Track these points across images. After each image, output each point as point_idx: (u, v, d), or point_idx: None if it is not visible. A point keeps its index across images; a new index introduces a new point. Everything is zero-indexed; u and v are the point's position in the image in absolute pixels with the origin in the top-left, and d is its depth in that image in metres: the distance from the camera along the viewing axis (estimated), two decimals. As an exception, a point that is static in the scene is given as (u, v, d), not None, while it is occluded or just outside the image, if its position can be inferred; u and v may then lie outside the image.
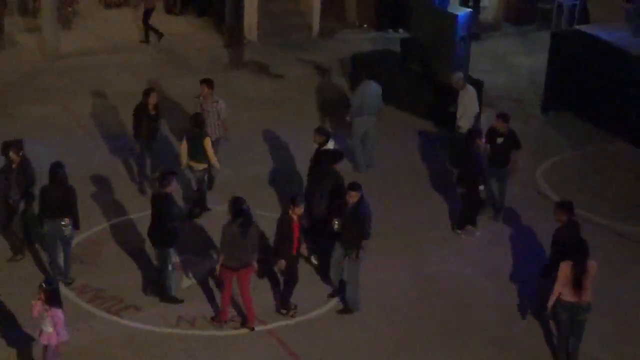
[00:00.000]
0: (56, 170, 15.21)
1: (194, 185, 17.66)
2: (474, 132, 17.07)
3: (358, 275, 14.99)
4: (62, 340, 12.84)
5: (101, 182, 18.29)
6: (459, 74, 19.26)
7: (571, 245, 13.74)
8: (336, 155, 16.34)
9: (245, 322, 14.76)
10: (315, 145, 16.67)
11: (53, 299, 12.67)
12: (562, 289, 13.54)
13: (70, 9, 24.95)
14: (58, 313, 12.69)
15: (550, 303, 13.70)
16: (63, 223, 15.07)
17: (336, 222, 15.03)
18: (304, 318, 14.96)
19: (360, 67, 22.22)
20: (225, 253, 14.26)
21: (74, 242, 15.68)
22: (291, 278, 14.90)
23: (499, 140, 17.22)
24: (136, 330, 14.58)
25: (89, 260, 16.08)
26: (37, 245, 16.08)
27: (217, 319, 14.79)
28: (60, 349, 12.91)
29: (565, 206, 14.72)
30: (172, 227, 14.74)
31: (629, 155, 20.54)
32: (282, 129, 20.40)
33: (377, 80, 19.42)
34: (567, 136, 21.36)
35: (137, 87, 22.26)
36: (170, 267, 14.88)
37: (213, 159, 17.11)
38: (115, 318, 14.79)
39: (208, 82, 18.02)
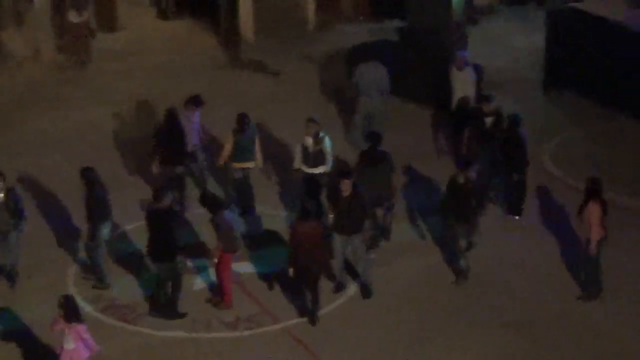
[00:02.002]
0: (91, 174, 15.33)
1: (235, 186, 17.53)
2: (516, 118, 16.95)
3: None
4: (95, 350, 12.77)
5: (109, 189, 18.17)
6: (463, 54, 19.21)
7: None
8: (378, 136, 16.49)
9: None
10: (310, 138, 16.56)
11: (73, 314, 12.59)
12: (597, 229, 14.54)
13: (77, 58, 24.26)
14: (81, 328, 12.59)
15: (594, 248, 14.67)
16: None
17: (331, 216, 15.08)
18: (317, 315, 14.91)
19: (359, 58, 22.21)
20: (228, 240, 14.63)
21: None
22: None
23: (487, 120, 17.38)
24: (152, 336, 14.55)
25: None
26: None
27: (224, 304, 14.96)
28: None
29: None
30: (173, 240, 14.62)
31: (633, 130, 20.43)
32: (281, 125, 20.31)
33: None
34: (570, 115, 21.26)
35: (138, 93, 22.33)
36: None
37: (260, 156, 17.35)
38: (130, 326, 14.76)
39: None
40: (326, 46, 25.16)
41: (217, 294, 15.22)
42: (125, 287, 15.65)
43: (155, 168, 17.51)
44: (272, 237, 16.82)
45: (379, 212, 16.53)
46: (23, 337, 14.42)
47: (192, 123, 17.70)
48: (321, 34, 26.22)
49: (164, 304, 14.81)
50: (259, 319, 14.91)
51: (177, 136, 17.26)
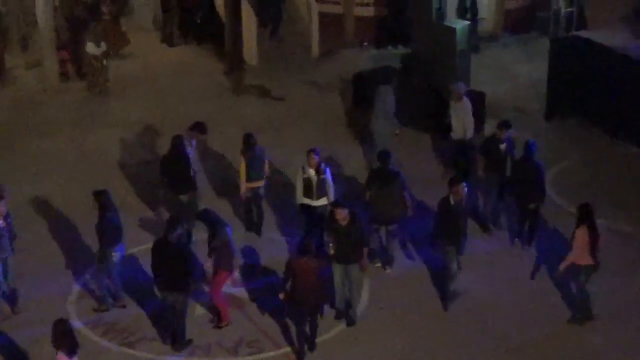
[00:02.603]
0: (103, 197, 15.43)
1: (250, 207, 17.70)
2: (532, 146, 16.94)
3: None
4: None
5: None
6: (462, 85, 19.32)
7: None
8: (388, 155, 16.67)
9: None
10: (311, 170, 16.54)
11: (58, 341, 12.49)
12: (580, 255, 14.67)
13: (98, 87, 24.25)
14: (60, 357, 12.41)
15: (563, 267, 14.96)
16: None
17: (331, 246, 15.06)
18: (318, 340, 14.89)
19: (362, 84, 22.33)
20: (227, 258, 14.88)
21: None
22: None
23: (501, 146, 17.39)
24: (151, 361, 14.58)
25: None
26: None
27: (223, 322, 15.14)
28: None
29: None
30: (190, 271, 14.58)
31: (635, 159, 20.46)
32: (283, 151, 20.39)
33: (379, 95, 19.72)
34: (572, 143, 21.30)
35: (142, 117, 22.41)
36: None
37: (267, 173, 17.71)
38: (130, 350, 14.77)
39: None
40: (330, 72, 25.26)
41: (217, 315, 15.28)
42: (126, 312, 15.66)
43: (162, 195, 17.63)
44: (274, 262, 16.84)
45: (383, 230, 16.69)
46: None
47: (192, 148, 17.79)
48: (325, 59, 26.33)
49: (177, 332, 14.78)
50: (260, 344, 14.92)
51: (184, 164, 17.31)
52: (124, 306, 15.74)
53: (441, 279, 15.90)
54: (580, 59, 21.76)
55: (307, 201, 16.72)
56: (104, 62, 23.91)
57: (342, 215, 14.89)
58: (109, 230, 15.32)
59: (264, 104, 23.68)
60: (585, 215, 14.95)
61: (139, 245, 17.15)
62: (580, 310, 15.29)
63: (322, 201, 16.71)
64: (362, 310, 15.60)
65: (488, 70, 24.45)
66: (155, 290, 14.63)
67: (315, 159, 16.55)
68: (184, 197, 17.38)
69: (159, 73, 25.45)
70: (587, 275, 15.04)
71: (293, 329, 15.01)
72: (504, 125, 17.60)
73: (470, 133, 19.14)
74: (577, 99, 21.86)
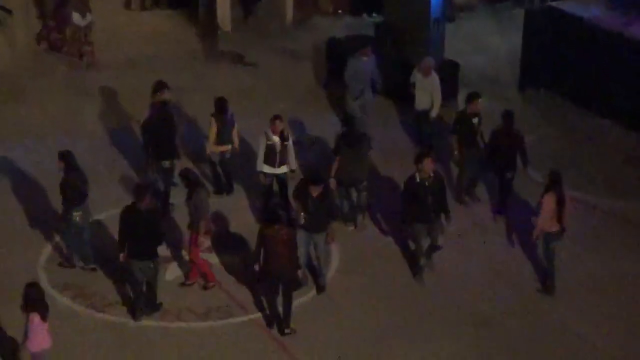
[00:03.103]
0: (68, 158, 15.44)
1: (217, 169, 17.77)
2: (511, 114, 17.03)
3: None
4: (31, 350, 12.60)
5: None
6: (431, 60, 19.23)
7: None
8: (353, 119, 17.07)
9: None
10: (275, 136, 16.53)
11: (28, 303, 12.49)
12: (548, 222, 14.80)
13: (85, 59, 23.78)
14: (32, 318, 12.47)
15: (536, 234, 15.12)
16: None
17: (302, 216, 15.07)
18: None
19: (335, 53, 22.24)
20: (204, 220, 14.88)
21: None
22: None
23: (474, 120, 17.38)
24: (122, 325, 14.56)
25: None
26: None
27: (209, 284, 15.22)
28: (37, 356, 12.68)
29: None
30: (158, 239, 14.61)
31: (606, 131, 20.57)
32: (256, 118, 20.32)
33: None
34: (544, 114, 21.38)
35: (113, 84, 22.23)
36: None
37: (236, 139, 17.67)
38: (99, 314, 14.76)
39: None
40: (304, 40, 25.16)
41: (201, 277, 15.41)
42: (95, 276, 15.62)
43: (148, 163, 17.64)
44: (243, 228, 16.84)
45: (354, 193, 16.82)
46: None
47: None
48: (299, 27, 26.21)
49: (148, 298, 14.76)
50: (230, 309, 14.95)
51: (169, 129, 17.26)
52: (93, 269, 15.71)
53: (411, 256, 15.93)
54: (554, 30, 21.80)
55: (267, 169, 16.70)
56: (88, 34, 23.63)
57: (317, 191, 14.92)
58: (72, 190, 15.30)
59: (236, 71, 23.57)
60: (554, 182, 15.06)
61: (107, 211, 17.08)
62: (551, 279, 15.40)
63: (284, 168, 16.75)
64: (331, 279, 15.64)
65: (462, 41, 24.43)
66: (120, 257, 14.53)
67: (279, 125, 16.52)
68: (165, 163, 17.33)
69: (130, 39, 25.19)
70: (553, 242, 15.14)
71: (263, 297, 15.05)
72: (474, 96, 17.52)
73: (436, 111, 19.09)
74: (550, 70, 21.92)
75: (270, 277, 14.25)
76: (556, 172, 15.25)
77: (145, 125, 17.53)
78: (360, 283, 15.66)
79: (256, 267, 14.36)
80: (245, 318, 14.78)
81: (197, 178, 15.57)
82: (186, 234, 15.54)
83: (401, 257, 16.31)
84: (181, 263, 15.95)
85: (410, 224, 15.44)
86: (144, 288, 14.68)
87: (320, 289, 15.39)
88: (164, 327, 14.52)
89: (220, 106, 17.46)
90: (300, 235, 15.01)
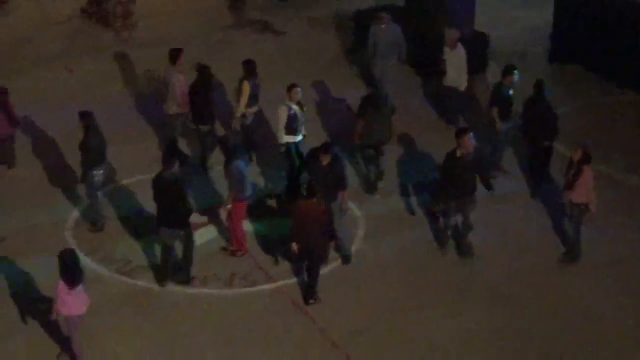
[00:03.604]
0: (88, 118, 15.57)
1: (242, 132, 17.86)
2: (542, 83, 17.04)
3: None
4: (59, 313, 12.74)
5: (108, 143, 18.24)
6: (456, 31, 19.15)
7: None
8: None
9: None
10: (295, 105, 16.56)
11: (61, 269, 12.62)
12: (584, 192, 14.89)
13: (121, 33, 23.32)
14: (59, 285, 12.61)
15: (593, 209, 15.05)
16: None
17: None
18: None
19: (363, 22, 22.18)
20: (239, 189, 14.83)
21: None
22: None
23: (510, 92, 17.42)
24: (148, 290, 14.69)
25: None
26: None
27: (238, 253, 15.29)
28: (69, 321, 12.83)
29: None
30: (187, 207, 14.66)
31: (635, 105, 20.46)
32: (282, 87, 20.34)
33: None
34: (572, 88, 21.27)
35: (141, 50, 22.25)
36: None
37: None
38: (125, 279, 14.88)
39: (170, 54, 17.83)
40: (332, 9, 25.07)
41: (232, 243, 15.46)
42: (122, 241, 15.76)
43: (180, 124, 17.76)
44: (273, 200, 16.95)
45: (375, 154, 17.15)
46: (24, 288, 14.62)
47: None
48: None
49: (182, 267, 14.83)
50: (254, 277, 15.04)
51: (208, 95, 17.39)
52: (101, 229, 15.85)
53: (440, 230, 15.90)
54: (586, 3, 21.63)
55: (290, 138, 16.71)
56: (130, 6, 23.22)
57: (327, 160, 15.01)
58: (91, 151, 15.43)
59: (264, 39, 23.54)
60: (589, 156, 15.06)
61: (134, 177, 17.22)
62: (571, 249, 15.44)
63: (300, 135, 16.84)
64: (355, 248, 15.74)
65: (489, 13, 24.26)
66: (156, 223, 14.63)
67: (299, 93, 16.59)
68: (204, 128, 17.40)
69: (155, 6, 25.12)
70: (583, 214, 15.17)
71: (287, 265, 15.14)
72: (511, 69, 17.47)
73: (463, 83, 19.04)
74: (580, 44, 21.78)
75: (302, 250, 14.29)
76: (588, 147, 15.23)
77: (190, 90, 17.58)
78: (383, 253, 15.70)
79: (294, 246, 14.37)
80: (269, 286, 14.88)
81: (235, 146, 15.57)
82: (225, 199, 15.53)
83: (424, 227, 16.34)
84: (216, 229, 16.03)
85: (445, 200, 15.40)
86: (180, 256, 14.75)
87: (346, 260, 15.42)
88: (188, 293, 14.63)
89: (251, 69, 17.50)
90: None
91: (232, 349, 13.59)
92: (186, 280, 14.78)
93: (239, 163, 15.08)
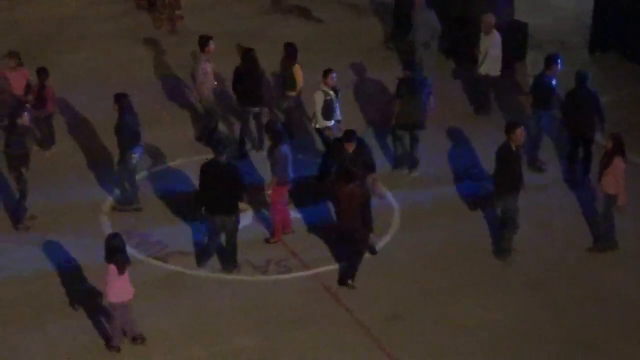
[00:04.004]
0: (123, 100, 15.68)
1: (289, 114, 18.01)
2: (586, 75, 16.87)
3: None
4: (108, 299, 12.84)
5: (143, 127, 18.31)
6: (492, 16, 18.99)
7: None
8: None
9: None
10: (330, 90, 16.51)
11: (107, 254, 12.72)
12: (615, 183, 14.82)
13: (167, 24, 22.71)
14: (109, 269, 12.71)
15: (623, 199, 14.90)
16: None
17: None
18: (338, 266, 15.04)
19: (402, 7, 22.05)
20: (281, 174, 14.79)
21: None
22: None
23: (553, 82, 17.28)
24: (182, 275, 14.73)
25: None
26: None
27: (271, 239, 15.31)
28: (115, 307, 12.93)
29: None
30: (241, 193, 14.62)
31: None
32: (318, 71, 20.32)
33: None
34: (612, 78, 21.03)
35: (181, 31, 22.25)
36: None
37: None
38: (161, 263, 14.93)
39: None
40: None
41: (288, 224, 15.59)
42: (159, 225, 15.80)
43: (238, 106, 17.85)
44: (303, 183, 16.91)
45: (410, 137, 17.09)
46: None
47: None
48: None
49: (229, 254, 14.83)
50: (289, 264, 15.05)
51: (255, 77, 17.40)
52: (139, 209, 15.93)
53: (499, 226, 15.52)
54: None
55: (326, 123, 16.68)
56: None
57: (352, 147, 15.00)
58: (127, 132, 15.50)
59: (302, 24, 23.51)
60: (622, 145, 14.93)
61: (172, 161, 17.30)
62: (603, 239, 15.32)
63: (333, 121, 16.79)
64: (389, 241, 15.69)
65: (528, 1, 24.03)
66: (202, 212, 14.56)
67: (334, 78, 16.57)
68: (254, 109, 17.45)
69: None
70: (611, 205, 15.06)
71: (322, 252, 15.11)
72: (553, 59, 17.29)
73: (495, 70, 18.87)
74: (621, 33, 21.53)
75: (344, 233, 14.27)
76: (621, 136, 15.07)
77: (234, 72, 17.63)
78: (417, 240, 15.63)
79: (334, 228, 14.43)
80: (303, 273, 14.87)
81: (283, 131, 15.51)
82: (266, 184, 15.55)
83: (458, 215, 16.26)
84: (252, 215, 16.05)
85: (506, 195, 15.05)
86: (224, 243, 14.76)
87: (372, 252, 15.29)
88: (222, 279, 14.66)
89: (294, 51, 17.65)
90: None
91: (265, 333, 13.63)
92: (233, 268, 14.77)
93: (285, 147, 15.05)
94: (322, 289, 14.54)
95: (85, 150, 17.88)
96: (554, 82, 17.29)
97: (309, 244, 15.45)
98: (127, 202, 16.05)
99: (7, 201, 16.14)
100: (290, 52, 17.72)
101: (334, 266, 14.95)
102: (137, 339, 13.24)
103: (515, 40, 20.07)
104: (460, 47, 20.73)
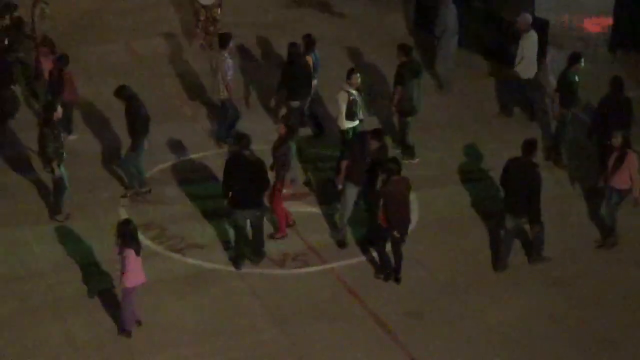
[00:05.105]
0: (124, 92, 15.85)
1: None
2: (621, 81, 16.68)
3: None
4: (126, 285, 12.89)
5: (162, 122, 18.34)
6: (527, 16, 18.89)
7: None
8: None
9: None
10: (354, 90, 16.39)
11: (123, 239, 12.75)
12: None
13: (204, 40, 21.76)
14: (127, 254, 12.75)
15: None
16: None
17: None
18: (363, 259, 15.03)
19: (423, 4, 22.07)
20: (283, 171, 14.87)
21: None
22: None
23: (576, 80, 17.20)
24: (199, 268, 14.76)
25: (153, 199, 16.28)
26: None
27: (277, 235, 15.28)
28: (128, 292, 12.98)
29: None
30: (268, 186, 14.66)
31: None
32: (339, 66, 20.30)
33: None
34: (634, 75, 20.94)
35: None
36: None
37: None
38: (178, 256, 14.97)
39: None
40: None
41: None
42: (176, 218, 15.85)
43: (274, 102, 17.86)
44: (321, 179, 16.92)
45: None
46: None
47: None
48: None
49: (255, 246, 14.83)
50: (306, 258, 15.06)
51: (299, 71, 17.47)
52: (149, 191, 16.12)
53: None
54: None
55: (350, 124, 16.54)
56: (217, 12, 21.42)
57: (376, 145, 14.87)
58: (136, 120, 15.70)
59: (323, 19, 23.51)
60: (629, 141, 14.97)
61: (193, 154, 17.44)
62: (612, 235, 15.35)
63: (358, 120, 16.66)
64: (410, 232, 15.55)
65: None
66: (226, 208, 14.61)
67: (359, 78, 16.47)
68: (294, 103, 17.51)
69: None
70: (621, 201, 15.11)
71: (339, 249, 15.19)
72: (577, 58, 17.18)
73: (532, 71, 18.74)
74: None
75: (392, 227, 14.20)
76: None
77: (282, 67, 17.80)
78: (435, 239, 15.60)
79: (382, 223, 14.30)
80: (320, 267, 14.87)
81: (294, 128, 15.45)
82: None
83: (477, 215, 16.21)
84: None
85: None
86: (250, 235, 14.73)
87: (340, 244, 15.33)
88: (240, 273, 14.66)
89: (311, 42, 17.80)
90: (350, 191, 14.98)
91: (283, 328, 13.62)
92: (261, 259, 14.81)
93: (291, 145, 15.04)
94: (340, 284, 14.53)
95: (103, 142, 17.92)
96: (576, 78, 17.19)
97: (327, 238, 15.43)
98: (139, 186, 16.19)
99: (42, 193, 16.25)
100: (305, 43, 17.79)
101: (352, 261, 14.96)
102: (139, 323, 13.36)
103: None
104: (487, 45, 20.71)
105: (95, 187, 16.55)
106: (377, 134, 15.00)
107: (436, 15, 19.91)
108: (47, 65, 17.97)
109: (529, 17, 18.86)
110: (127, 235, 12.74)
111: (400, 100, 17.07)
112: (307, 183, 16.79)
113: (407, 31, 22.76)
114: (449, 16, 19.66)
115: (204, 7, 21.23)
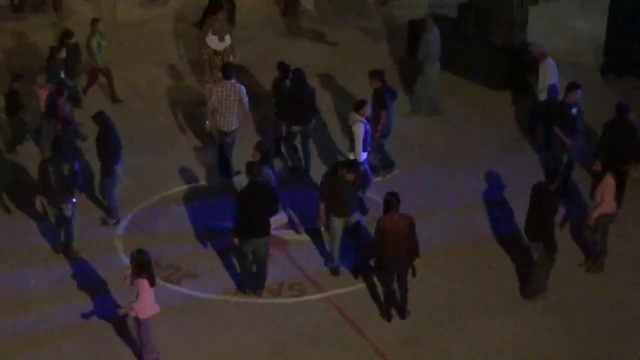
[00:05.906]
0: (100, 117, 16.12)
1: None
2: (626, 107, 16.57)
3: None
4: (140, 316, 12.81)
5: (157, 152, 18.38)
6: (541, 44, 18.83)
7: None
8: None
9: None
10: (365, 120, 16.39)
11: (139, 268, 12.70)
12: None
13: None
14: (142, 284, 12.69)
15: (595, 216, 14.91)
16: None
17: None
18: (361, 286, 15.01)
19: (416, 32, 22.14)
20: None
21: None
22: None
23: (573, 110, 17.05)
24: (195, 299, 14.73)
25: (147, 229, 16.27)
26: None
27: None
28: (145, 323, 12.92)
29: None
30: (277, 210, 14.62)
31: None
32: (334, 95, 20.42)
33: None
34: (626, 100, 20.96)
35: (196, 56, 22.36)
36: None
37: None
38: (174, 287, 14.94)
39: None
40: (386, 19, 25.07)
41: None
42: (171, 249, 15.83)
43: (284, 129, 17.81)
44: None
45: None
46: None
47: None
48: (380, 7, 26.12)
49: (258, 276, 14.74)
50: (303, 286, 15.03)
51: (300, 97, 17.53)
52: (118, 221, 16.23)
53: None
54: (640, 14, 21.41)
55: (365, 155, 16.45)
56: (231, 58, 20.28)
57: (352, 177, 14.82)
58: (109, 146, 15.81)
59: (317, 48, 23.60)
60: (607, 166, 15.12)
61: (185, 185, 17.40)
62: (600, 258, 15.36)
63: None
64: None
65: (545, 23, 24.09)
66: (235, 240, 14.46)
67: (370, 108, 16.46)
68: (296, 128, 17.63)
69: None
70: (611, 222, 15.14)
71: (335, 277, 15.16)
72: (574, 86, 17.08)
73: (544, 96, 18.52)
74: (634, 55, 21.51)
75: (387, 266, 14.12)
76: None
77: (275, 90, 17.96)
78: (436, 263, 15.56)
79: (372, 262, 14.37)
80: (318, 296, 14.84)
81: (268, 152, 15.40)
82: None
83: (475, 242, 16.18)
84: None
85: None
86: (253, 266, 14.67)
87: (332, 271, 15.33)
88: (236, 302, 14.64)
89: (285, 68, 17.92)
90: (336, 224, 14.94)
91: (281, 357, 13.58)
92: (262, 290, 14.77)
93: (267, 171, 14.97)
94: (336, 312, 14.50)
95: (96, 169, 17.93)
96: (573, 110, 17.07)
97: (322, 266, 15.42)
98: (110, 215, 16.35)
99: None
100: (280, 70, 17.93)
101: (348, 289, 14.93)
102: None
103: (527, 63, 20.02)
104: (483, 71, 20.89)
105: (94, 216, 16.54)
106: (351, 166, 14.88)
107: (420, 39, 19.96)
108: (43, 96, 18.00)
109: (542, 45, 18.78)
110: (142, 265, 12.69)
111: (385, 124, 17.27)
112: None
113: (399, 58, 22.83)
114: (432, 41, 19.70)
115: (215, 52, 20.24)
